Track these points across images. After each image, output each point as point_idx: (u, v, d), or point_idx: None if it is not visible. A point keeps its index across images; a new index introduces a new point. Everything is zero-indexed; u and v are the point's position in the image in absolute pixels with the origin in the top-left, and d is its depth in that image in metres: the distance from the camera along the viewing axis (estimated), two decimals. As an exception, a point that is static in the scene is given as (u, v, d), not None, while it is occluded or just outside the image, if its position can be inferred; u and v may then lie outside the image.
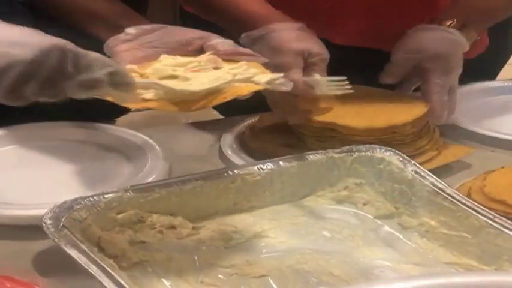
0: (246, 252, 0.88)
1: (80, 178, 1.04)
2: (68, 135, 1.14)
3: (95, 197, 0.86)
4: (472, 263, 0.86)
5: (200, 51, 1.00)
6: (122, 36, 1.02)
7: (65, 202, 0.84)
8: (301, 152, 0.99)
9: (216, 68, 0.95)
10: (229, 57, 0.98)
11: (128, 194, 0.88)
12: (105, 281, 0.74)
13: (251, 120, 1.17)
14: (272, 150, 1.06)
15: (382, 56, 1.18)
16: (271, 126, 1.12)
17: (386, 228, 0.93)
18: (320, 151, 0.98)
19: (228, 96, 0.89)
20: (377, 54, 1.23)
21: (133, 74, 0.90)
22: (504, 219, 0.86)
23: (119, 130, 1.14)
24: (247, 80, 0.91)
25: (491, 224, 0.86)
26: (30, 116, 1.11)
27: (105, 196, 0.87)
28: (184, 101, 0.89)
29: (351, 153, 0.98)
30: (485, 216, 0.87)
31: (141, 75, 0.93)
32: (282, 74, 0.94)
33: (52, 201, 0.85)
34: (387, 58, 1.17)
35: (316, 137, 1.05)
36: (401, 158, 0.97)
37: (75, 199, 0.85)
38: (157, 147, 1.08)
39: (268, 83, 0.92)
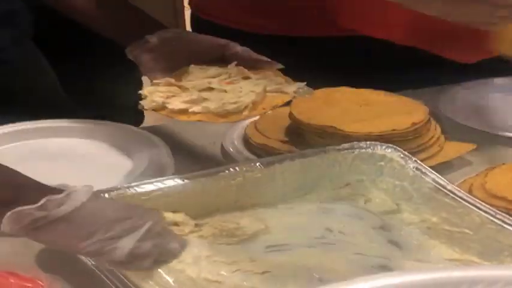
0: (249, 249, 0.88)
1: (83, 174, 1.04)
2: (70, 131, 1.14)
3: (97, 194, 0.86)
4: (473, 259, 0.86)
5: (221, 59, 1.02)
6: (142, 43, 1.03)
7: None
8: (302, 149, 0.99)
9: (246, 78, 0.99)
10: (250, 65, 1.01)
11: (130, 190, 0.88)
12: (108, 277, 0.74)
13: (253, 117, 1.17)
14: (274, 147, 1.06)
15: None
16: (273, 123, 1.12)
17: (388, 225, 0.94)
18: (321, 148, 0.99)
19: (266, 107, 0.96)
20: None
21: (172, 87, 0.97)
22: (505, 215, 0.87)
23: (122, 126, 1.14)
24: (277, 90, 0.97)
25: (492, 221, 0.86)
26: (33, 112, 1.12)
27: (107, 194, 0.87)
28: (229, 113, 0.94)
29: (352, 150, 0.98)
30: (486, 212, 0.87)
31: (180, 87, 0.98)
32: (305, 83, 0.98)
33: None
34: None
35: (317, 134, 1.05)
36: (402, 155, 0.97)
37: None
38: (159, 144, 1.08)
39: (295, 92, 0.97)
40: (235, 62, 1.01)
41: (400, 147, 0.98)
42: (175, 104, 0.95)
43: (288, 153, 0.99)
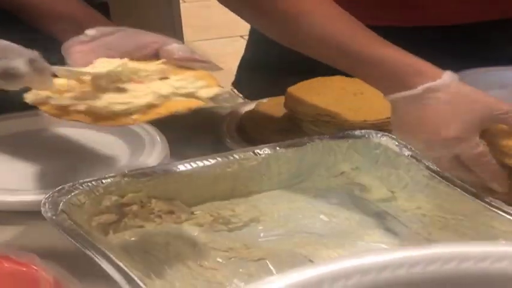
0: (244, 236, 0.89)
1: (79, 163, 1.04)
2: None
3: (93, 182, 0.86)
4: (468, 245, 0.86)
5: (156, 55, 0.95)
6: (81, 37, 0.97)
7: (63, 187, 0.85)
8: (297, 137, 0.99)
9: (164, 78, 0.90)
10: (184, 64, 0.93)
11: (126, 178, 0.88)
12: (104, 264, 0.74)
13: (249, 106, 1.17)
14: (269, 136, 1.06)
15: None
16: (268, 112, 1.13)
17: (384, 212, 0.94)
18: (316, 136, 0.99)
19: (162, 112, 0.84)
20: None
21: (87, 77, 0.87)
22: (500, 202, 0.87)
23: None
24: (190, 95, 0.87)
25: (487, 207, 0.86)
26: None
27: (103, 181, 0.87)
28: (116, 114, 0.83)
29: (347, 139, 0.99)
30: (481, 199, 0.88)
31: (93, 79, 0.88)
32: (227, 90, 0.92)
33: (50, 187, 0.85)
34: None
35: (311, 122, 1.06)
36: (397, 143, 0.97)
37: (73, 184, 0.86)
38: (155, 132, 1.08)
39: (212, 98, 0.87)
40: (161, 60, 0.92)
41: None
42: (60, 99, 0.84)
43: (283, 141, 0.99)
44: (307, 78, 1.11)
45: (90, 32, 0.96)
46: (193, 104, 0.85)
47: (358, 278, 0.49)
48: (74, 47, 0.96)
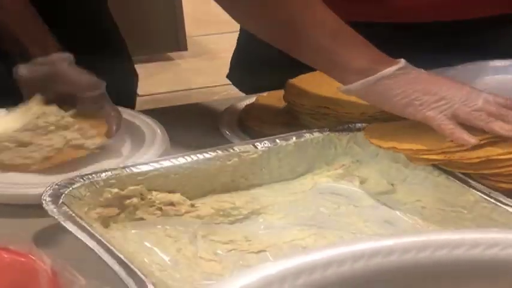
0: (245, 229, 0.89)
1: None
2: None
3: (93, 175, 0.87)
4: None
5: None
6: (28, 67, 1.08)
7: (63, 180, 0.85)
8: (297, 130, 1.00)
9: (65, 128, 1.04)
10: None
11: (126, 171, 0.88)
12: (105, 256, 0.75)
13: (249, 100, 1.17)
14: (269, 129, 1.07)
15: None
16: (268, 106, 1.13)
17: (383, 204, 0.94)
18: (317, 129, 0.99)
19: (55, 162, 1.00)
20: None
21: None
22: (500, 194, 0.87)
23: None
24: (79, 146, 1.02)
25: (486, 199, 0.87)
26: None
27: (104, 174, 0.88)
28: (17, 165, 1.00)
29: (348, 132, 0.99)
30: (481, 191, 0.88)
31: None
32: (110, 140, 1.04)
33: (50, 180, 0.86)
34: None
35: (311, 115, 1.06)
36: (396, 136, 0.97)
37: (74, 177, 0.86)
38: (155, 125, 1.08)
39: (97, 148, 1.03)
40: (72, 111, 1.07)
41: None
42: None
43: (282, 134, 0.99)
44: (304, 72, 1.11)
45: (23, 71, 1.09)
46: (80, 153, 1.02)
47: (349, 264, 0.49)
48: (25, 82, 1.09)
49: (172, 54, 3.81)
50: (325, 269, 0.49)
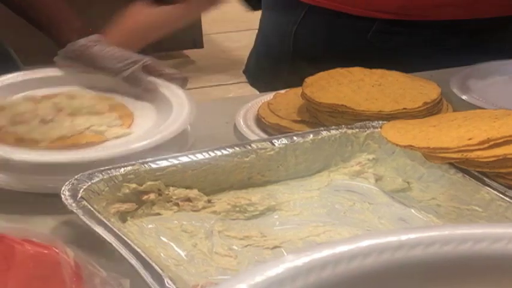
0: (260, 225, 0.90)
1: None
2: (94, 80, 1.19)
3: (112, 170, 0.88)
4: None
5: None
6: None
7: (82, 175, 0.86)
8: (314, 128, 1.00)
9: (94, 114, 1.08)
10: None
11: (145, 166, 0.89)
12: (123, 250, 0.76)
13: (266, 97, 1.18)
14: (286, 126, 1.07)
15: None
16: (286, 103, 1.13)
17: (398, 202, 0.94)
18: (334, 127, 0.99)
19: (68, 143, 1.02)
20: None
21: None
22: (515, 192, 0.87)
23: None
24: (99, 132, 1.05)
25: (502, 198, 0.87)
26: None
27: (122, 169, 0.88)
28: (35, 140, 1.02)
29: (364, 129, 0.99)
30: (496, 189, 0.88)
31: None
32: (132, 132, 1.06)
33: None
34: None
35: (328, 113, 1.06)
36: (413, 134, 0.97)
37: (93, 172, 0.87)
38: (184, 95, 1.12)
39: (116, 137, 1.05)
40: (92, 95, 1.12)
41: (411, 126, 0.99)
42: None
43: (299, 132, 0.99)
44: (318, 70, 1.11)
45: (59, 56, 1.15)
46: (96, 138, 1.04)
47: (375, 256, 0.50)
48: (59, 63, 1.15)
49: (188, 52, 3.82)
50: (336, 265, 0.50)
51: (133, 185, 0.88)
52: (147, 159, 0.91)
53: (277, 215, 0.92)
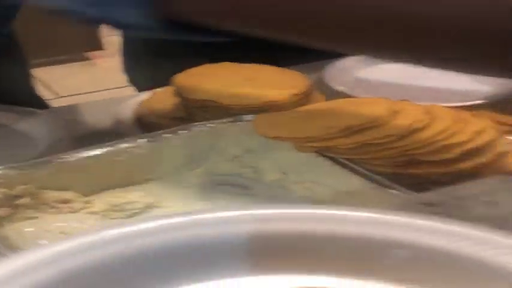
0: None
1: None
2: None
3: (-19, 175, 0.87)
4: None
5: None
6: None
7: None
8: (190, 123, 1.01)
9: None
10: None
11: (15, 170, 0.89)
12: None
13: (145, 95, 1.19)
14: (163, 124, 1.08)
15: None
16: (163, 101, 1.14)
17: (276, 193, 0.96)
18: (205, 122, 1.01)
19: None
20: None
21: None
22: (380, 177, 0.90)
23: None
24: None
25: (369, 183, 0.89)
26: None
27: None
28: None
29: (236, 123, 1.01)
30: (362, 175, 0.90)
31: None
32: None
33: None
34: None
35: (200, 109, 1.08)
36: (287, 125, 0.99)
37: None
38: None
39: None
40: None
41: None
42: None
43: (171, 128, 1.01)
44: (193, 65, 1.12)
45: None
46: None
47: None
48: None
49: (89, 54, 3.80)
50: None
51: (4, 190, 0.88)
52: (19, 164, 0.90)
53: (158, 212, 0.93)
